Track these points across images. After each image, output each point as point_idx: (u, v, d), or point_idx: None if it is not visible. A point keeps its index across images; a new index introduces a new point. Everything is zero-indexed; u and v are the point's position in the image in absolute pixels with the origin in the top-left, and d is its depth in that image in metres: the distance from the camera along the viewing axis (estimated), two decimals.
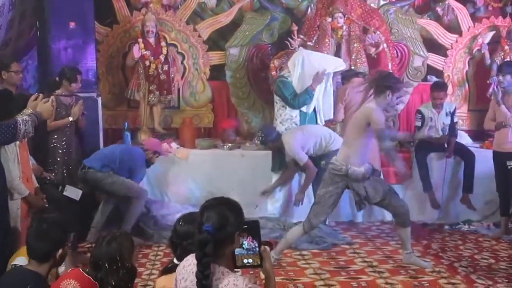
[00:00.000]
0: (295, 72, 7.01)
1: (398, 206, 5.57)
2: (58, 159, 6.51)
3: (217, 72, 8.60)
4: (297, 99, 6.92)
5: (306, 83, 6.95)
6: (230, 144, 7.70)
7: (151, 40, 7.84)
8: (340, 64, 7.32)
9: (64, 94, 6.51)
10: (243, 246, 2.53)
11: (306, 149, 6.65)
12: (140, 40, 7.81)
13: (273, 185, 7.10)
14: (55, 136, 6.49)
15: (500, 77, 7.11)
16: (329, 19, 7.93)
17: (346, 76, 7.43)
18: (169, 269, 3.11)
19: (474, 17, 8.92)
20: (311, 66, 7.02)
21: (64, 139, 6.54)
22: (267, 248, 2.61)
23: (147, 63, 7.78)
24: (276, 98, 7.15)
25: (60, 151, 6.51)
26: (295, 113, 7.06)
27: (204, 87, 8.47)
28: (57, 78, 6.61)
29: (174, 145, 7.58)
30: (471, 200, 7.27)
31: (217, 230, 2.41)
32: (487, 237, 6.81)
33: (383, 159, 6.96)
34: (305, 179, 6.82)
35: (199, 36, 8.39)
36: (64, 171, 6.49)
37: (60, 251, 3.27)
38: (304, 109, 7.08)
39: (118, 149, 6.72)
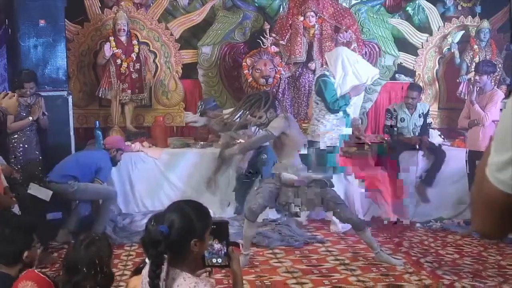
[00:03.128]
0: (337, 73, 6.61)
1: (348, 218, 5.67)
2: (19, 159, 6.42)
3: (189, 70, 8.56)
4: (337, 103, 6.48)
5: (345, 86, 6.66)
6: (202, 143, 7.68)
7: (123, 38, 7.77)
8: (375, 74, 7.13)
9: (21, 95, 6.42)
10: (212, 246, 2.53)
11: None
12: (111, 38, 7.74)
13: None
14: (15, 136, 6.40)
15: (476, 77, 7.16)
16: (301, 18, 7.97)
17: None
18: (141, 269, 3.08)
19: (444, 17, 9.05)
20: (352, 69, 6.72)
21: (24, 139, 6.44)
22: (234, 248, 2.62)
23: (119, 61, 7.72)
24: (317, 99, 6.67)
25: (20, 151, 6.42)
26: (339, 116, 6.64)
27: (176, 85, 8.42)
28: (15, 80, 6.56)
29: (145, 144, 7.52)
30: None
31: (172, 233, 2.40)
32: (457, 234, 6.90)
33: None
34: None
35: (171, 34, 8.34)
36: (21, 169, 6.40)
37: (26, 252, 3.24)
38: (351, 113, 6.85)
39: (76, 156, 6.70)
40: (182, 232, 2.43)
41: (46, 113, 6.57)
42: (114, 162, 6.65)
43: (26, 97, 6.42)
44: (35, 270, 3.21)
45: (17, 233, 3.26)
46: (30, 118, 6.38)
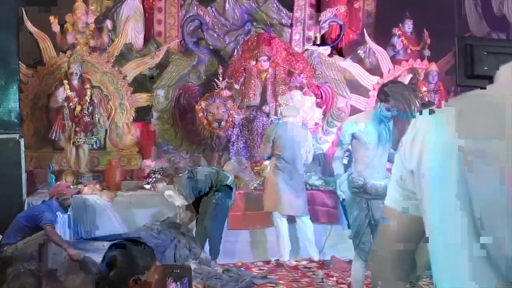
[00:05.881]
0: None
1: None
2: None
3: (143, 113, 8.60)
4: None
5: None
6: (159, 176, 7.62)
7: (75, 82, 7.80)
8: None
9: None
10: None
11: None
12: (65, 81, 7.76)
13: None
14: None
15: None
16: (253, 62, 8.09)
17: None
18: None
19: (394, 60, 9.30)
20: None
21: None
22: None
23: (72, 104, 7.73)
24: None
25: None
26: None
27: (130, 128, 8.45)
28: None
29: (98, 187, 7.46)
30: None
31: (112, 271, 2.42)
32: None
33: None
34: None
35: (124, 77, 8.39)
36: None
37: None
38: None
39: (21, 217, 6.15)
40: (122, 270, 2.44)
41: None
42: (64, 208, 6.43)
43: None
44: None
45: None
46: None
